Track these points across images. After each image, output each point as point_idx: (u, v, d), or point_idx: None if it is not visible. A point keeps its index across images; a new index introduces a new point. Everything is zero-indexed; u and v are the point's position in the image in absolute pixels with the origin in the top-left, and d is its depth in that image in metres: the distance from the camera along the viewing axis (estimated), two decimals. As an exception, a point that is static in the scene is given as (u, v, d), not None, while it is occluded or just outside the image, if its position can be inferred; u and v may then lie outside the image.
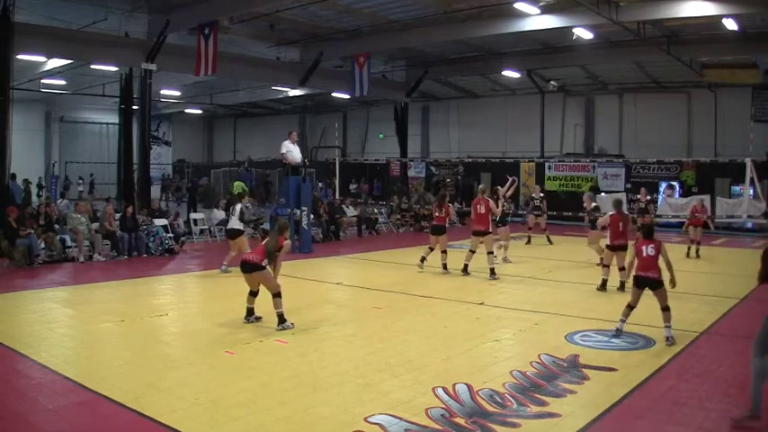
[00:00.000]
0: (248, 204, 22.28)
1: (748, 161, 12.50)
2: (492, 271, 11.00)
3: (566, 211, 17.25)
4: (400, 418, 4.60)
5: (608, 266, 9.91)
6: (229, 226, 11.88)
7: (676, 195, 20.25)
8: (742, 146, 17.97)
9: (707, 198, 16.69)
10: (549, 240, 16.14)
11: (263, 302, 7.62)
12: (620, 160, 21.75)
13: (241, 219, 11.60)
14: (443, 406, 4.86)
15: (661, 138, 21.84)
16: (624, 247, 9.65)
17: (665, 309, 6.81)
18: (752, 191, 14.32)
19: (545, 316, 8.15)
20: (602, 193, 21.62)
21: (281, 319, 7.30)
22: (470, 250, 11.47)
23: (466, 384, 5.32)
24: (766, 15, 14.32)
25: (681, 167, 21.28)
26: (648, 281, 6.81)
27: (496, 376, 5.59)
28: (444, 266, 11.52)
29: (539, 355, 6.20)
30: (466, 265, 11.33)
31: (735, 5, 13.21)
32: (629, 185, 21.19)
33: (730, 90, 20.74)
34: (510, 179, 13.50)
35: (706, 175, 20.54)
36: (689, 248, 13.85)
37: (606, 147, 23.87)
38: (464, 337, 7.05)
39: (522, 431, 4.47)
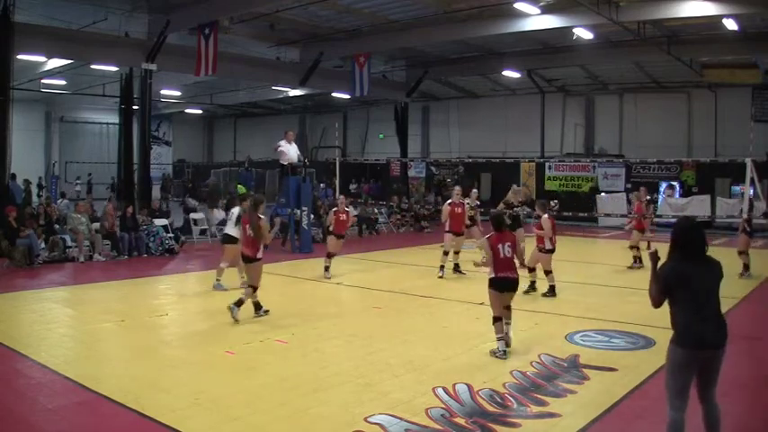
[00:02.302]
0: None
1: (748, 161, 12.47)
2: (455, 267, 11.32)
3: (565, 212, 17.24)
4: (400, 418, 4.60)
5: (551, 271, 9.54)
6: (225, 231, 10.50)
7: (676, 195, 20.26)
8: (742, 146, 17.94)
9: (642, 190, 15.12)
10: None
11: (270, 299, 7.62)
12: (621, 160, 21.74)
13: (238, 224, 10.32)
14: (443, 406, 4.86)
15: (661, 138, 21.85)
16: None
17: (508, 307, 6.46)
18: (752, 191, 14.30)
19: (545, 316, 8.16)
20: (603, 194, 21.66)
21: (239, 303, 7.56)
22: (455, 252, 11.45)
23: (466, 384, 5.31)
24: (766, 15, 14.31)
25: (681, 167, 21.29)
26: (513, 282, 6.35)
27: (496, 376, 5.59)
28: (326, 269, 10.97)
29: (539, 355, 6.20)
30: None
31: (735, 5, 13.20)
32: (629, 185, 21.19)
33: (730, 90, 20.74)
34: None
35: (706, 175, 20.55)
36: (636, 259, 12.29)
37: (606, 147, 23.87)
38: (464, 337, 7.05)
39: (522, 431, 4.47)
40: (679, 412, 3.72)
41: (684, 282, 3.72)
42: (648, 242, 15.28)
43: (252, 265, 7.85)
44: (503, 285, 6.31)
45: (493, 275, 6.34)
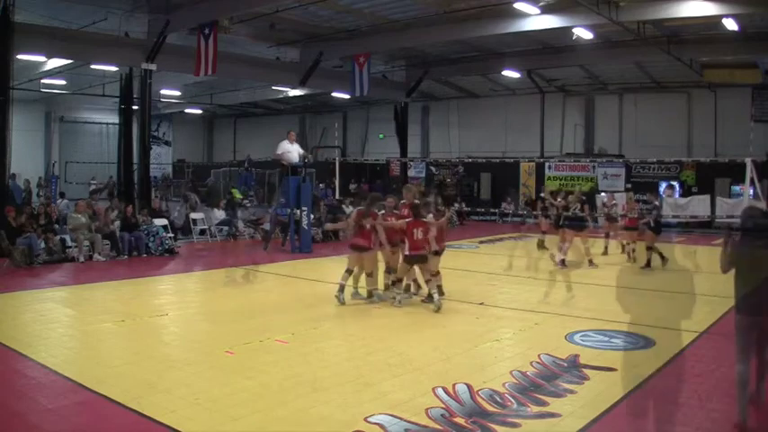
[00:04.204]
0: (247, 204, 22.03)
1: (748, 161, 12.46)
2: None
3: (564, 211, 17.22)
4: (400, 418, 4.60)
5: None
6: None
7: (676, 195, 20.25)
8: (742, 146, 17.97)
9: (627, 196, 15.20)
10: None
11: (270, 299, 7.57)
12: (620, 160, 21.73)
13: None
14: (443, 406, 4.86)
15: (661, 138, 21.83)
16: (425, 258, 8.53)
17: (436, 274, 8.43)
18: (752, 191, 14.31)
19: (545, 316, 8.15)
20: (603, 194, 21.63)
21: (370, 294, 8.84)
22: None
23: (466, 384, 5.31)
24: (766, 15, 14.31)
25: (681, 167, 21.27)
26: (420, 257, 8.31)
27: (496, 376, 5.59)
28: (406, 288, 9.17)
29: (539, 355, 6.19)
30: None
31: (735, 5, 13.20)
32: (629, 185, 21.19)
33: (730, 90, 20.71)
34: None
35: (706, 175, 20.53)
36: (629, 254, 13.20)
37: (606, 147, 23.85)
38: (464, 337, 7.05)
39: (521, 431, 4.47)
40: (743, 365, 4.51)
41: (745, 260, 4.54)
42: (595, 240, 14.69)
43: (365, 253, 8.71)
44: (412, 260, 8.40)
45: (407, 253, 8.29)
